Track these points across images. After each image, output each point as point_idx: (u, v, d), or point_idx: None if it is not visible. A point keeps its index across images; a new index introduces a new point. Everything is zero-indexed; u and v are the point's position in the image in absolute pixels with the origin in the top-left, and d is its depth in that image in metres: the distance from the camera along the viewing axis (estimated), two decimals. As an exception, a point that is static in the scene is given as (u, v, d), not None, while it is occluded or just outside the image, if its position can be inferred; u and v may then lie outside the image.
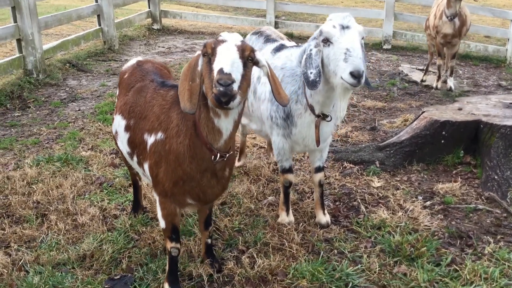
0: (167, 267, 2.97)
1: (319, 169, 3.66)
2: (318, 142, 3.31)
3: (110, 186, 4.28)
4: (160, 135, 2.65)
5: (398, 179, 4.52)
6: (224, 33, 2.35)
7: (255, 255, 3.29)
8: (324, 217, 3.73)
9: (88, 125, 5.77)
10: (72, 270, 3.17)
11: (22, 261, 3.22)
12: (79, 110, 6.40)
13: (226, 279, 3.12)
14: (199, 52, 2.37)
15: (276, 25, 11.62)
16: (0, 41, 6.89)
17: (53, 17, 7.98)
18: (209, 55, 2.29)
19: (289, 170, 3.65)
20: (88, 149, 5.06)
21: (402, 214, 3.86)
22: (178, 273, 3.10)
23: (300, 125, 3.35)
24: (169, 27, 11.99)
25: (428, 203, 4.09)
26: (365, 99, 7.03)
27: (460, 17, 6.74)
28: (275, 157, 3.69)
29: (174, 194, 2.66)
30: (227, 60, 2.23)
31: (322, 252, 3.37)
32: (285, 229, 3.60)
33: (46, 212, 3.82)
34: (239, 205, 3.96)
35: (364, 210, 3.95)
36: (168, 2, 15.16)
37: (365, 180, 4.47)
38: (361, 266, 3.25)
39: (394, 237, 3.52)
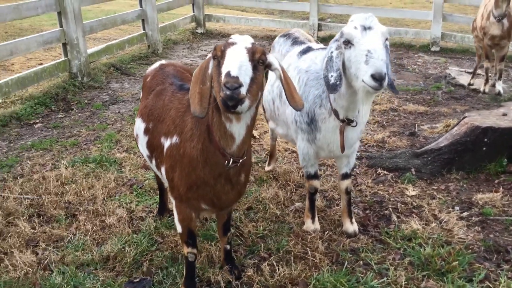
0: (184, 272, 2.94)
1: (346, 176, 3.54)
2: (342, 148, 3.19)
3: (140, 188, 4.32)
4: (175, 138, 2.63)
5: (435, 187, 4.31)
6: (235, 35, 2.30)
7: (275, 263, 3.21)
8: (351, 226, 3.60)
9: (126, 127, 5.86)
10: (94, 271, 3.20)
11: (47, 260, 3.28)
12: (118, 112, 6.53)
13: (244, 287, 3.06)
14: (210, 55, 2.32)
15: (320, 28, 11.50)
16: (46, 45, 7.13)
17: (98, 22, 8.20)
18: (218, 58, 2.24)
19: (315, 176, 3.55)
20: (123, 151, 5.13)
21: (436, 225, 3.67)
22: (197, 278, 3.08)
23: (324, 130, 3.24)
24: (213, 31, 12.08)
25: (465, 214, 3.87)
26: (407, 103, 6.80)
27: (509, 17, 6.38)
28: (300, 162, 3.60)
29: (188, 199, 2.63)
30: (235, 63, 2.17)
31: (346, 263, 3.25)
32: (309, 237, 3.50)
33: (76, 213, 3.89)
34: (265, 210, 3.89)
35: (396, 219, 3.79)
36: (214, 6, 15.26)
37: (399, 188, 4.29)
38: (387, 279, 3.11)
39: (425, 249, 3.34)
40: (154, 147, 2.85)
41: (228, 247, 3.11)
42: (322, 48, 3.44)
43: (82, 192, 4.17)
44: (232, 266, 3.12)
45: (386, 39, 2.80)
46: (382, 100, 6.77)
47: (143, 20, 9.47)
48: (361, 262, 3.29)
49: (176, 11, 12.58)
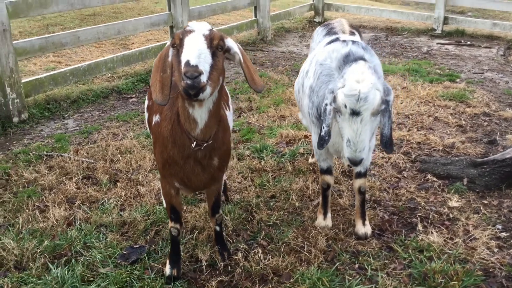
0: (169, 246, 3.11)
1: (359, 175, 3.38)
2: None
3: (186, 165, 4.56)
4: (157, 117, 2.78)
5: (486, 202, 3.88)
6: (192, 22, 2.35)
7: (267, 252, 3.22)
8: (362, 228, 3.44)
9: (203, 108, 6.17)
10: (109, 232, 3.51)
11: (74, 217, 3.68)
12: (205, 93, 6.87)
13: (229, 269, 3.13)
14: (169, 43, 2.41)
15: (446, 21, 10.72)
16: (154, 27, 7.73)
17: (207, 8, 8.65)
18: (177, 46, 2.32)
19: (327, 171, 3.45)
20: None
21: (460, 241, 3.34)
22: (188, 254, 3.23)
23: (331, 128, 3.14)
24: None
25: (504, 234, 3.45)
26: (507, 108, 6.10)
27: None
28: (314, 156, 3.52)
29: (164, 175, 2.78)
30: (193, 51, 2.23)
31: (338, 263, 3.13)
32: (313, 232, 3.43)
33: (119, 180, 4.27)
34: (286, 200, 3.88)
35: (421, 229, 3.52)
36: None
37: (442, 197, 3.94)
38: (376, 286, 2.94)
39: (435, 263, 3.08)
40: (150, 123, 3.04)
41: (218, 228, 3.19)
42: (343, 41, 3.27)
43: (132, 162, 4.54)
44: (221, 247, 3.21)
45: (378, 113, 2.80)
46: (478, 103, 6.17)
47: (255, 7, 9.74)
48: (357, 266, 3.15)
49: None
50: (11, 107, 5.51)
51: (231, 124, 3.13)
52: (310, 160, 4.53)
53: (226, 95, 3.23)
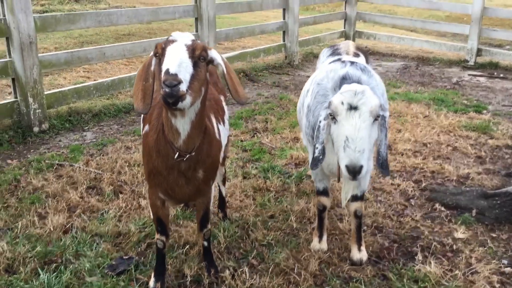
0: (155, 258, 3.08)
1: (355, 198, 3.28)
2: (338, 177, 3.00)
3: (191, 181, 4.56)
4: (147, 127, 2.80)
5: (494, 235, 3.70)
6: (175, 32, 2.37)
7: (256, 272, 3.15)
8: (357, 254, 3.32)
9: (219, 127, 6.19)
10: (102, 242, 3.52)
11: (71, 225, 3.71)
12: (224, 113, 6.91)
13: (214, 287, 3.07)
14: (152, 52, 2.43)
15: (479, 53, 10.48)
16: (179, 47, 7.87)
17: (234, 30, 8.76)
18: (159, 55, 2.34)
19: (323, 193, 3.37)
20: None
21: (460, 273, 3.18)
22: (174, 268, 3.19)
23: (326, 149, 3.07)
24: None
25: (508, 269, 3.26)
26: (533, 142, 5.86)
27: None
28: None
29: (150, 185, 2.77)
30: (174, 60, 2.24)
31: (326, 287, 3.03)
32: (306, 254, 3.34)
33: (123, 191, 4.30)
34: (284, 221, 3.81)
35: (420, 259, 3.37)
36: (371, 24, 15.00)
37: (448, 228, 3.78)
38: (362, 315, 2.82)
39: (427, 295, 2.94)
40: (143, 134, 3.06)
41: (206, 243, 3.14)
42: (342, 62, 3.21)
43: (138, 175, 4.57)
44: (209, 264, 3.16)
45: (378, 117, 2.67)
46: (502, 135, 5.95)
47: (283, 32, 9.80)
48: (346, 292, 3.04)
49: (328, 26, 12.70)
50: (32, 117, 5.68)
51: (224, 139, 3.11)
52: (316, 183, 4.44)
53: (222, 110, 3.23)
